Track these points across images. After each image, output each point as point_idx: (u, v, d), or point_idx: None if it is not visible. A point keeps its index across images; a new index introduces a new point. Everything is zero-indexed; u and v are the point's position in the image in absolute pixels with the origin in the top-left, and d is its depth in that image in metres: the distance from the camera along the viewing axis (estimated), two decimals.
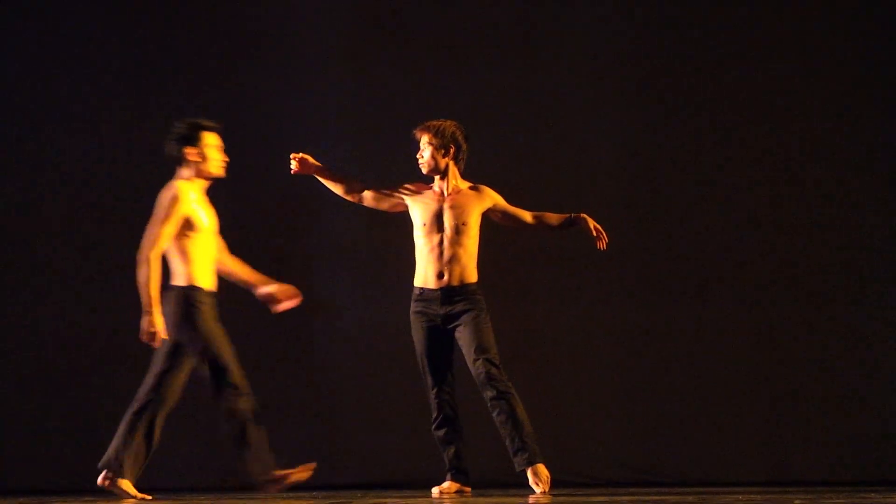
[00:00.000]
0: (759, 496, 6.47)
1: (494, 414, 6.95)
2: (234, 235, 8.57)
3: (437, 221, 7.06)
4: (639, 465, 8.31)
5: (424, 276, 7.07)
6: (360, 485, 8.13)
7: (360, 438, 8.41)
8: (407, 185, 7.19)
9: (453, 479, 7.04)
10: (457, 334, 7.02)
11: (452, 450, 7.04)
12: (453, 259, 7.02)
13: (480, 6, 8.71)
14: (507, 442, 6.94)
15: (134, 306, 8.52)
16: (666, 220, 8.51)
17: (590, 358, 8.39)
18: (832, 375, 8.37)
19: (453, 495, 6.95)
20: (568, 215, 7.14)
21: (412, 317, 7.10)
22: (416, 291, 7.10)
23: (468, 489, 7.05)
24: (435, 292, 7.03)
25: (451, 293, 7.01)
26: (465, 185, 7.15)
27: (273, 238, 8.62)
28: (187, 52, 8.76)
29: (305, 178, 8.54)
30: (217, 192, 8.60)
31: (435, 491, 7.01)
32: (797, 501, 5.88)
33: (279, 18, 8.75)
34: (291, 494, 7.33)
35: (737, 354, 8.42)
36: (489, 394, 6.94)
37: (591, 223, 7.08)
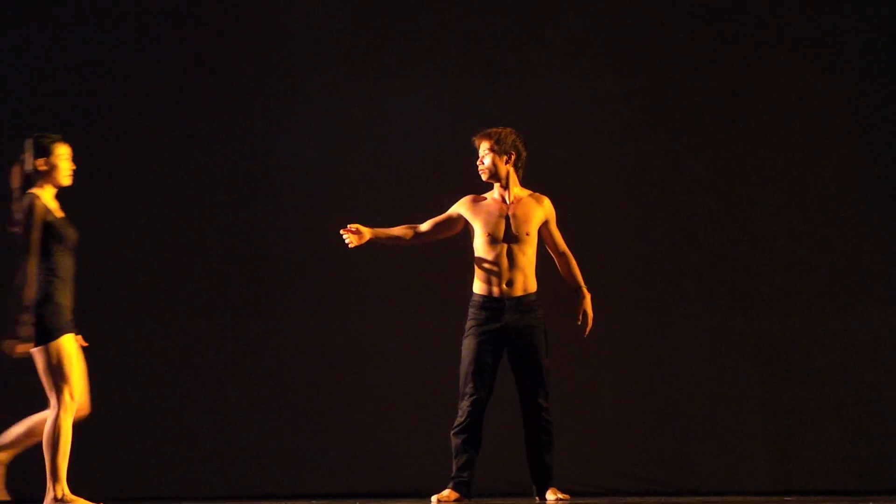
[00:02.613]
0: None
1: (530, 438, 7.00)
2: (237, 238, 8.59)
3: (501, 230, 7.03)
4: (639, 473, 8.29)
5: (488, 284, 7.02)
6: (357, 494, 8.10)
7: (357, 447, 8.38)
8: (462, 202, 7.15)
9: (454, 489, 7.00)
10: (514, 353, 7.00)
11: (464, 459, 6.99)
12: (517, 268, 7.01)
13: (481, 10, 8.70)
14: (537, 465, 7.01)
15: (132, 307, 8.58)
16: (669, 229, 8.50)
17: (590, 367, 8.36)
18: (832, 384, 8.36)
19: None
20: (580, 285, 7.13)
21: (469, 323, 7.03)
22: (478, 300, 7.02)
23: (467, 501, 7.01)
24: (500, 301, 7.00)
25: (517, 304, 6.99)
26: (524, 192, 7.15)
27: (277, 241, 8.60)
28: (187, 53, 8.73)
29: (310, 183, 8.57)
30: (217, 195, 8.64)
31: (434, 500, 6.98)
32: None
33: (280, 22, 8.72)
34: (288, 503, 7.31)
35: (737, 364, 8.40)
36: (535, 422, 6.98)
37: (587, 306, 7.12)
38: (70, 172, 6.79)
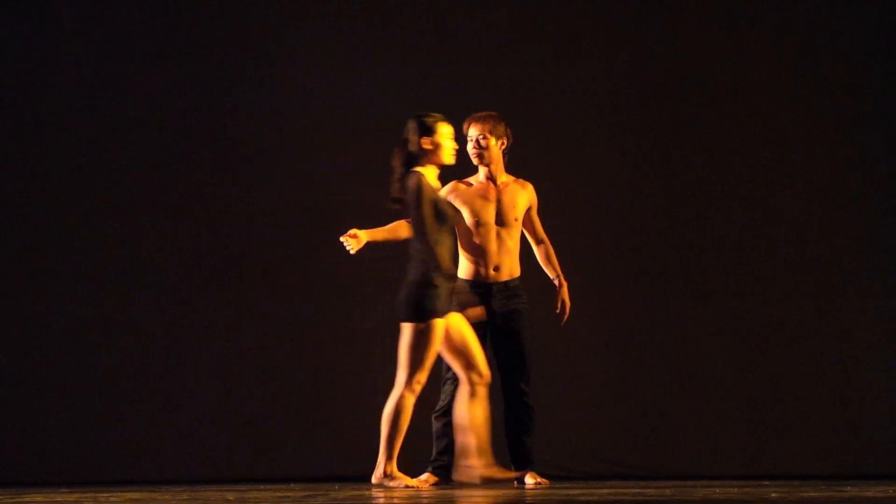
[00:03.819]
0: (735, 489, 6.48)
1: (511, 422, 7.05)
2: (216, 224, 8.62)
3: (491, 215, 7.06)
4: (617, 458, 8.32)
5: (476, 269, 7.05)
6: (338, 477, 8.12)
7: (336, 430, 8.41)
8: (448, 189, 7.12)
9: (433, 473, 7.03)
10: (498, 337, 7.05)
11: (445, 442, 7.01)
12: (505, 252, 7.04)
13: (480, 5, 8.73)
14: (517, 449, 7.06)
15: (118, 295, 8.60)
16: (649, 219, 8.52)
17: (568, 353, 8.39)
18: (809, 370, 8.40)
19: (431, 488, 6.94)
20: (557, 274, 7.19)
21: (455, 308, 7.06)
22: (465, 285, 7.04)
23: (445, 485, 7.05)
24: (488, 286, 7.03)
25: (503, 288, 7.04)
26: (510, 178, 7.16)
27: (256, 227, 8.62)
28: (185, 50, 8.75)
29: (304, 177, 8.59)
30: (195, 181, 8.67)
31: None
32: (773, 494, 5.89)
33: (277, 17, 8.74)
34: (269, 487, 7.33)
35: (715, 351, 8.43)
36: (516, 406, 7.03)
37: (565, 295, 7.18)
38: (453, 151, 6.72)
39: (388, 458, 6.60)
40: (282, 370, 8.53)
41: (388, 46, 8.69)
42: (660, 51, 8.62)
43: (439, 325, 6.52)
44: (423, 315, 6.49)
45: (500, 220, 7.06)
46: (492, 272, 7.04)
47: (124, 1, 8.80)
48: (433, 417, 7.04)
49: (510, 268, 7.07)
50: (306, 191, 8.59)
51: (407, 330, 6.53)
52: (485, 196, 7.08)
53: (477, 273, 7.05)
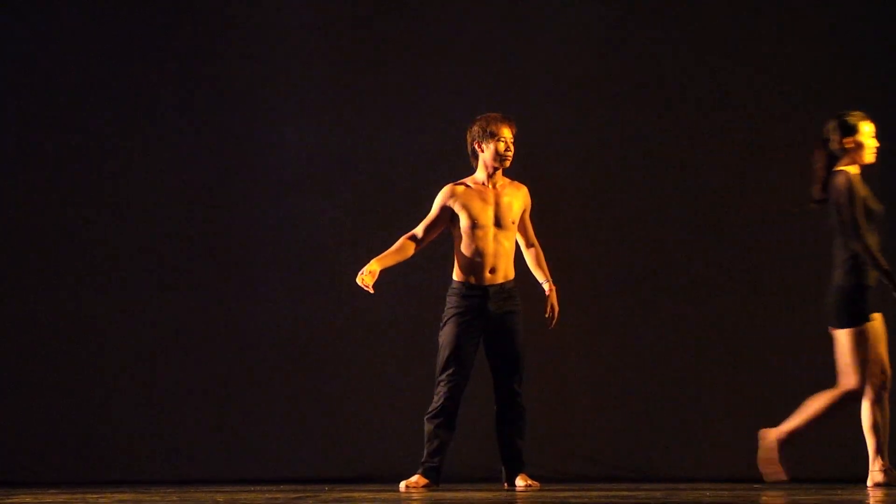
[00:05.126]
0: (726, 492, 6.49)
1: (503, 423, 7.03)
2: (223, 231, 8.61)
3: (489, 218, 7.04)
4: (609, 461, 8.32)
5: (472, 272, 7.03)
6: (328, 479, 8.12)
7: (327, 432, 8.41)
8: (447, 195, 7.08)
9: (424, 475, 7.02)
10: (493, 339, 7.04)
11: (437, 444, 6.99)
12: (501, 255, 7.03)
13: (465, 4, 8.73)
14: (508, 450, 7.04)
15: (112, 292, 8.58)
16: (641, 222, 8.53)
17: (560, 355, 8.39)
18: (801, 373, 8.38)
19: (421, 490, 6.93)
20: (547, 278, 7.17)
21: (451, 311, 7.03)
22: (460, 287, 7.03)
23: (435, 487, 7.03)
24: (484, 289, 7.02)
25: (499, 291, 7.02)
26: (505, 180, 7.15)
27: (250, 228, 8.62)
28: (175, 47, 8.74)
29: (294, 173, 8.60)
30: (191, 178, 8.66)
31: (402, 485, 7.00)
32: (764, 498, 5.88)
33: (266, 14, 8.73)
34: (258, 488, 7.32)
35: (706, 353, 8.43)
36: (509, 408, 7.02)
37: (554, 302, 7.15)
38: (874, 150, 6.70)
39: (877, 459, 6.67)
40: (273, 371, 8.51)
41: (388, 47, 8.68)
42: (657, 51, 8.61)
43: (873, 324, 6.57)
44: (857, 320, 6.56)
45: (498, 223, 7.05)
46: (487, 274, 7.03)
47: (125, 1, 8.79)
48: (425, 419, 7.03)
49: (505, 270, 7.07)
50: (306, 190, 8.57)
51: (844, 336, 6.58)
52: (483, 199, 7.07)
53: (473, 276, 7.04)
